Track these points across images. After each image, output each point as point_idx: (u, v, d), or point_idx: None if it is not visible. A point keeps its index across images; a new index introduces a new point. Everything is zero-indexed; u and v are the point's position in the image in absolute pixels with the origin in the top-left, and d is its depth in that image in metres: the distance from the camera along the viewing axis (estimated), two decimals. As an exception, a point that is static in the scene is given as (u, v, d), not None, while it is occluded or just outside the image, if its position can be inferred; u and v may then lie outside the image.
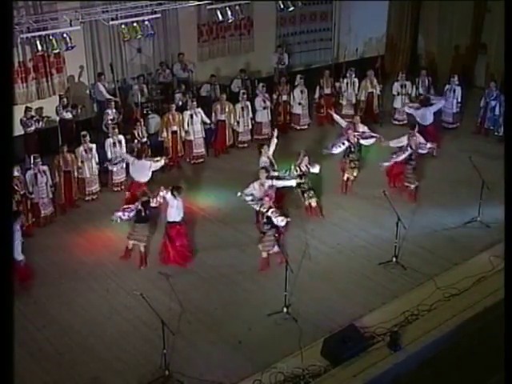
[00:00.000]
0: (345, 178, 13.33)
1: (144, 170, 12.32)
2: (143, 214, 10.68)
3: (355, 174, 13.35)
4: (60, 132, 14.29)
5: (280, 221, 10.44)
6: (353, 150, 13.02)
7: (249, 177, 14.02)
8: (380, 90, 16.60)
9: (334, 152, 12.91)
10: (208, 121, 14.65)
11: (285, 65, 17.60)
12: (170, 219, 10.87)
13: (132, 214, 10.60)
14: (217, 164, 14.76)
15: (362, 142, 13.15)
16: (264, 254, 10.81)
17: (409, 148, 12.72)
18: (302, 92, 16.17)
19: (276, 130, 13.07)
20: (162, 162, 12.50)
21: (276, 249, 10.69)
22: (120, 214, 10.54)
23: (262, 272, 10.80)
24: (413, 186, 13.01)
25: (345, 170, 13.24)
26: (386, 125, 16.43)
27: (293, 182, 11.78)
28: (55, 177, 12.37)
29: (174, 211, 10.80)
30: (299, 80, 16.26)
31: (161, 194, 10.66)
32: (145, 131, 13.96)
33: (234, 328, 9.53)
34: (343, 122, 13.76)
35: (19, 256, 10.02)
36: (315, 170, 12.22)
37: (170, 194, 10.69)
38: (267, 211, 10.49)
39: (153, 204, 10.69)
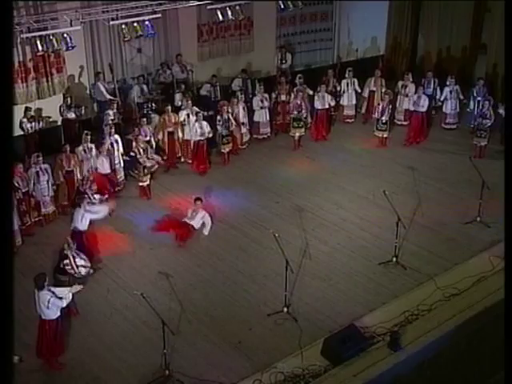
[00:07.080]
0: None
1: None
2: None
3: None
4: (63, 132, 14.28)
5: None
6: None
7: (248, 176, 14.08)
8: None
9: None
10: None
11: (287, 64, 17.56)
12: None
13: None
14: (216, 164, 14.70)
15: None
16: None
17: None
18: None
19: None
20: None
21: None
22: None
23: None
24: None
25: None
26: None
27: None
28: (58, 177, 12.26)
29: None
30: (298, 80, 16.23)
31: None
32: (148, 130, 13.90)
33: (234, 328, 9.53)
34: None
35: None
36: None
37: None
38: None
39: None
